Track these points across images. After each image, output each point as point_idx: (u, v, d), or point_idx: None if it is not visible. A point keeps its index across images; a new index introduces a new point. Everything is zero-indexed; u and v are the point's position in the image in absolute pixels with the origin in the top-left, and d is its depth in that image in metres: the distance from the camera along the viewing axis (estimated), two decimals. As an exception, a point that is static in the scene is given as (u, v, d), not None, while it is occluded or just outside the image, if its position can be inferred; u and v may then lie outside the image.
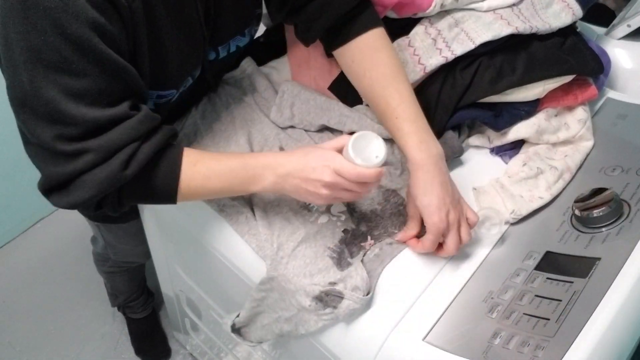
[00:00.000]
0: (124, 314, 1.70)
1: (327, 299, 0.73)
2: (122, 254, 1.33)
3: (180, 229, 0.93)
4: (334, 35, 0.84)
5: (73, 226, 1.90)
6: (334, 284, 0.74)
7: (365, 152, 0.69)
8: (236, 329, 0.86)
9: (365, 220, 0.83)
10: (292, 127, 0.93)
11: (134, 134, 0.67)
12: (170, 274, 1.22)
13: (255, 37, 1.02)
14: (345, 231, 0.81)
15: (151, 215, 1.05)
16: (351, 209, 0.84)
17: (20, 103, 0.64)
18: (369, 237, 0.81)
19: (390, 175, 0.87)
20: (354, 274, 0.75)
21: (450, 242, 0.75)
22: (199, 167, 0.73)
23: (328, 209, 0.83)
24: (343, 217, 0.82)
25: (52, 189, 0.69)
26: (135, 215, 1.09)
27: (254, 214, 0.83)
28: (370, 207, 0.84)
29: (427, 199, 0.75)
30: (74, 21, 0.60)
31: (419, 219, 0.78)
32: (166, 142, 0.72)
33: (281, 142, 0.90)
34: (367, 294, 0.73)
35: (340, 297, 0.73)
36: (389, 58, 0.81)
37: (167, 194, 0.73)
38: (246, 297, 0.83)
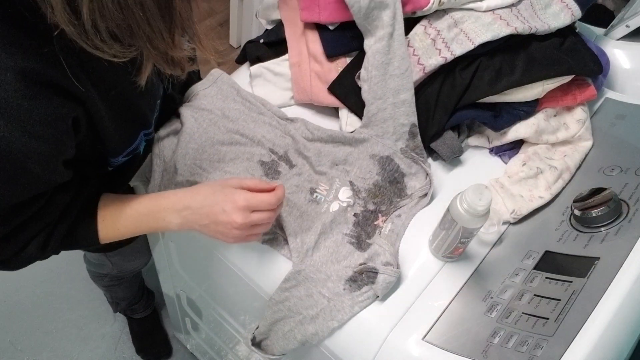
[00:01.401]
0: (125, 314, 1.70)
1: (362, 277, 0.76)
2: (128, 269, 1.33)
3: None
4: None
5: (74, 226, 1.90)
6: (363, 264, 0.77)
7: (476, 199, 0.70)
8: (257, 343, 0.85)
9: (372, 197, 0.86)
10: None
11: (47, 219, 0.69)
12: (171, 274, 1.22)
13: (255, 38, 1.02)
14: (356, 214, 0.84)
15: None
16: (356, 191, 0.86)
17: None
18: (379, 215, 0.84)
19: (382, 141, 0.89)
20: (380, 251, 0.78)
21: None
22: (107, 222, 0.75)
23: (336, 197, 0.85)
24: (351, 202, 0.85)
25: None
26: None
27: None
28: (372, 180, 0.87)
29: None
30: (11, 155, 0.58)
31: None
32: (80, 211, 0.73)
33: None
34: (397, 268, 0.76)
35: (375, 272, 0.75)
36: None
37: (88, 246, 0.76)
38: (250, 299, 0.84)
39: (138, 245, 1.15)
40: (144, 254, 1.21)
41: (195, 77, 1.01)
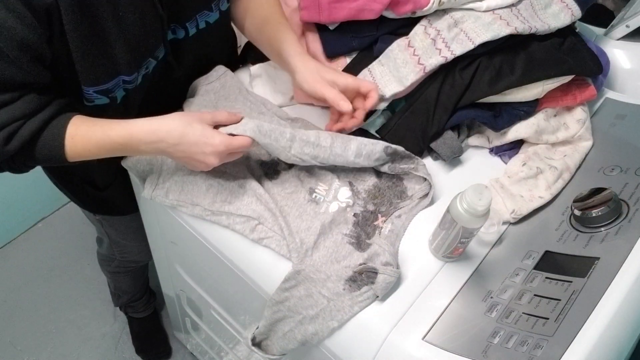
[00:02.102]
0: (125, 314, 1.70)
1: (361, 277, 0.76)
2: (127, 252, 1.33)
3: (181, 229, 0.93)
4: None
5: (74, 226, 1.90)
6: (363, 264, 0.77)
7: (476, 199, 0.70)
8: (257, 343, 0.85)
9: (371, 197, 0.85)
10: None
11: (17, 114, 0.71)
12: (171, 273, 1.22)
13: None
14: (355, 215, 0.84)
15: (152, 214, 1.06)
16: (356, 191, 0.86)
17: None
18: (379, 216, 0.84)
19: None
20: (380, 251, 0.78)
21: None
22: (77, 139, 0.75)
23: (335, 197, 0.85)
24: (351, 202, 0.85)
25: None
26: (135, 208, 1.09)
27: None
28: (371, 182, 0.87)
29: (328, 69, 0.85)
30: None
31: (328, 85, 0.83)
32: (52, 116, 0.74)
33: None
34: (397, 268, 0.76)
35: (374, 272, 0.75)
36: None
37: (55, 161, 0.76)
38: (250, 299, 0.84)
39: (135, 224, 1.16)
40: (141, 238, 1.20)
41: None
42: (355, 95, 0.85)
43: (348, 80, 0.83)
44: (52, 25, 0.67)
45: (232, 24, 0.99)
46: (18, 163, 0.77)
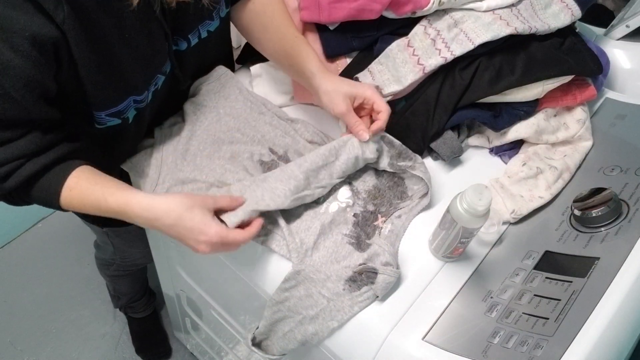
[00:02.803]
0: (125, 314, 1.70)
1: (361, 277, 0.75)
2: (130, 257, 1.33)
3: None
4: None
5: (74, 226, 1.90)
6: (363, 264, 0.77)
7: (476, 199, 0.69)
8: (257, 343, 0.85)
9: (371, 198, 0.85)
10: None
11: (17, 152, 0.70)
12: (171, 274, 1.22)
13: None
14: (355, 215, 0.83)
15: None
16: (356, 192, 0.86)
17: None
18: (379, 216, 0.84)
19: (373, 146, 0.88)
20: (380, 251, 0.78)
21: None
22: (75, 192, 0.74)
23: (335, 197, 0.85)
24: (350, 202, 0.84)
25: None
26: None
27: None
28: (371, 182, 0.87)
29: (347, 82, 0.83)
30: None
31: (350, 108, 0.83)
32: (55, 161, 0.73)
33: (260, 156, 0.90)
34: (397, 268, 0.76)
35: (374, 272, 0.75)
36: (282, 2, 0.93)
37: (49, 205, 0.76)
38: (250, 299, 0.83)
39: (141, 232, 1.16)
40: (146, 244, 1.21)
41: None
42: (371, 108, 0.85)
43: (367, 92, 0.82)
44: (60, 59, 0.66)
45: (245, 37, 0.99)
46: (15, 198, 0.76)
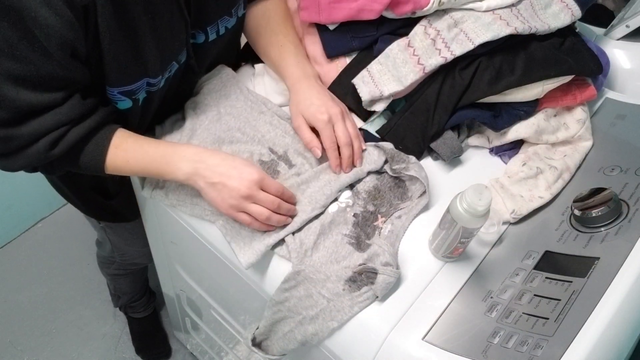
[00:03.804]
0: (125, 314, 1.70)
1: (361, 278, 0.75)
2: (129, 256, 1.33)
3: (181, 228, 0.93)
4: None
5: (74, 226, 1.90)
6: (363, 264, 0.77)
7: (475, 199, 0.69)
8: (257, 343, 0.85)
9: (371, 198, 0.85)
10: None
11: (63, 119, 0.72)
12: (171, 273, 1.22)
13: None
14: (355, 215, 0.83)
15: (152, 215, 1.06)
16: (356, 192, 0.86)
17: None
18: (379, 216, 0.84)
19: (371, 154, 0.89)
20: (379, 251, 0.77)
21: (339, 131, 0.84)
22: (120, 150, 0.78)
23: (335, 198, 0.85)
24: (350, 202, 0.85)
25: None
26: (139, 214, 1.10)
27: None
28: (371, 183, 0.87)
29: (309, 101, 0.86)
30: (23, 15, 0.62)
31: (307, 126, 0.86)
32: (98, 126, 0.76)
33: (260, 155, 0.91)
34: (397, 268, 0.76)
35: (374, 272, 0.75)
36: (286, 10, 0.96)
37: (94, 169, 0.79)
38: (250, 299, 0.83)
39: (138, 230, 1.16)
40: (143, 243, 1.21)
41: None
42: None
43: (314, 121, 0.85)
44: (88, 24, 0.67)
45: (247, 39, 1.01)
46: (56, 167, 0.78)
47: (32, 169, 0.79)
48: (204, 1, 0.82)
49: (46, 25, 0.63)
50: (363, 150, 0.88)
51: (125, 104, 0.80)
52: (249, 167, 0.76)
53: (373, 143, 0.89)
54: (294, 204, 0.82)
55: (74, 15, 0.65)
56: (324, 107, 0.85)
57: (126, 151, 0.78)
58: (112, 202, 1.05)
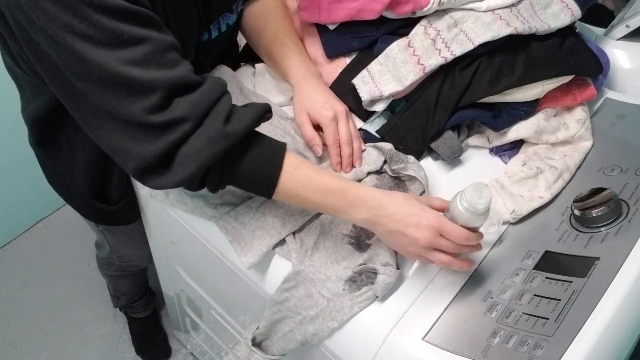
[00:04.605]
0: (125, 314, 1.70)
1: (361, 278, 0.75)
2: (127, 258, 1.33)
3: (181, 228, 0.93)
4: None
5: (74, 226, 1.90)
6: (363, 264, 0.77)
7: (475, 198, 0.69)
8: (257, 343, 0.85)
9: None
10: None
11: (219, 89, 0.66)
12: (171, 273, 1.22)
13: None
14: None
15: (152, 215, 1.06)
16: None
17: (91, 82, 0.62)
18: None
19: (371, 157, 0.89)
20: (380, 251, 0.77)
21: (342, 129, 0.85)
22: (299, 172, 0.72)
23: None
24: None
25: (150, 169, 0.66)
26: (138, 216, 1.09)
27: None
28: (371, 183, 0.87)
29: (315, 98, 0.86)
30: None
31: (310, 123, 0.87)
32: (263, 110, 0.70)
33: None
34: (397, 268, 0.76)
35: (374, 272, 0.75)
36: (284, 8, 0.96)
37: (266, 182, 0.71)
38: (250, 299, 0.83)
39: (137, 233, 1.15)
40: (141, 245, 1.21)
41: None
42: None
43: (319, 117, 0.86)
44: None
45: (245, 39, 1.01)
46: (226, 174, 0.70)
47: (201, 179, 0.69)
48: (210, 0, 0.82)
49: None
50: (362, 151, 0.88)
51: None
52: (426, 213, 0.70)
53: (372, 144, 0.89)
54: (479, 241, 0.74)
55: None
56: (329, 104, 0.86)
57: (305, 177, 0.71)
58: (112, 208, 1.04)
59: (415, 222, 0.69)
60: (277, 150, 0.72)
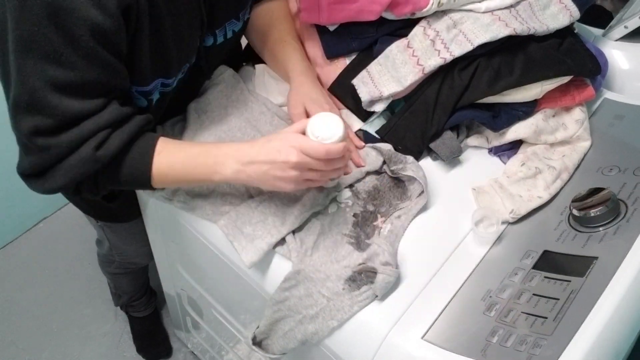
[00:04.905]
0: (126, 313, 1.70)
1: (361, 277, 0.76)
2: (127, 255, 1.33)
3: (182, 228, 0.93)
4: None
5: (75, 225, 1.90)
6: (362, 264, 0.77)
7: (325, 132, 0.71)
8: (257, 342, 0.85)
9: (371, 198, 0.86)
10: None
11: (103, 123, 0.71)
12: (172, 273, 1.22)
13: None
14: (355, 215, 0.84)
15: (153, 214, 1.06)
16: (355, 192, 0.86)
17: (6, 89, 0.68)
18: (378, 216, 0.84)
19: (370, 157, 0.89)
20: (379, 251, 0.78)
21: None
22: (163, 155, 0.75)
23: (334, 198, 0.85)
24: (350, 202, 0.85)
25: (26, 175, 0.74)
26: (138, 214, 1.10)
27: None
28: (371, 183, 0.87)
29: (314, 92, 0.88)
30: (71, 16, 0.62)
31: (305, 116, 0.86)
32: (139, 130, 0.75)
33: None
34: (397, 268, 0.76)
35: (374, 272, 0.75)
36: (288, 13, 0.98)
37: (140, 179, 0.76)
38: (251, 299, 0.84)
39: (137, 230, 1.16)
40: (141, 243, 1.21)
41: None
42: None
43: (311, 108, 0.87)
44: (129, 24, 0.68)
45: (250, 43, 1.03)
46: (100, 184, 0.76)
47: (75, 187, 0.75)
48: (216, 5, 0.83)
49: (96, 24, 0.63)
50: (362, 147, 0.89)
51: (140, 102, 0.80)
52: (285, 139, 0.72)
53: (371, 144, 0.89)
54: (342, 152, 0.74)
55: (121, 15, 0.65)
56: (330, 104, 0.89)
57: (169, 155, 0.75)
58: (111, 205, 1.05)
59: (278, 149, 0.71)
60: (146, 144, 0.75)
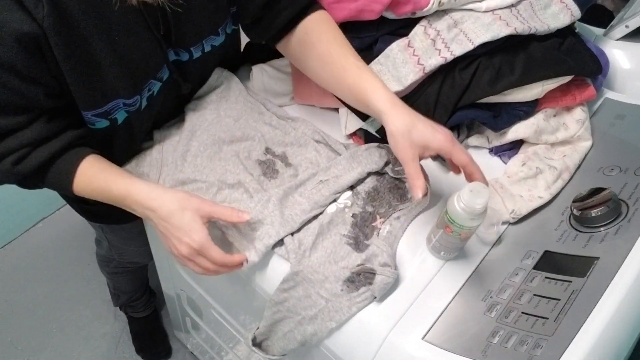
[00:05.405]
0: (125, 313, 1.70)
1: (359, 278, 0.76)
2: (126, 255, 1.33)
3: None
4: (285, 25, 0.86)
5: (75, 226, 1.90)
6: (361, 265, 0.77)
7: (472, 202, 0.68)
8: (257, 343, 0.85)
9: (370, 199, 0.85)
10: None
11: (24, 141, 0.74)
12: (172, 273, 1.22)
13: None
14: (354, 215, 0.84)
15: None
16: (355, 193, 0.86)
17: None
18: (377, 217, 0.84)
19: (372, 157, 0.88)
20: (378, 252, 0.78)
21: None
22: (83, 179, 0.79)
23: (334, 199, 0.85)
24: (349, 203, 0.85)
25: None
26: (136, 216, 1.09)
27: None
28: (371, 183, 0.87)
29: (422, 125, 0.74)
30: None
31: (417, 160, 0.74)
32: (67, 146, 0.77)
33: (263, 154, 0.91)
34: (395, 269, 0.76)
35: (372, 273, 0.75)
36: (337, 27, 0.85)
37: (62, 190, 0.81)
38: (250, 299, 0.83)
39: (136, 230, 1.16)
40: (140, 243, 1.21)
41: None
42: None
43: (443, 145, 0.73)
44: (44, 54, 0.68)
45: (298, 67, 0.91)
46: (29, 183, 0.80)
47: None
48: (184, 25, 0.81)
49: (5, 62, 0.65)
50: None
51: (101, 124, 0.80)
52: (191, 232, 0.75)
53: (376, 144, 0.89)
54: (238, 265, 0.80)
55: (24, 49, 0.65)
56: (438, 127, 0.75)
57: (87, 182, 0.79)
58: (109, 208, 1.05)
59: (177, 237, 0.76)
60: (70, 162, 0.79)
